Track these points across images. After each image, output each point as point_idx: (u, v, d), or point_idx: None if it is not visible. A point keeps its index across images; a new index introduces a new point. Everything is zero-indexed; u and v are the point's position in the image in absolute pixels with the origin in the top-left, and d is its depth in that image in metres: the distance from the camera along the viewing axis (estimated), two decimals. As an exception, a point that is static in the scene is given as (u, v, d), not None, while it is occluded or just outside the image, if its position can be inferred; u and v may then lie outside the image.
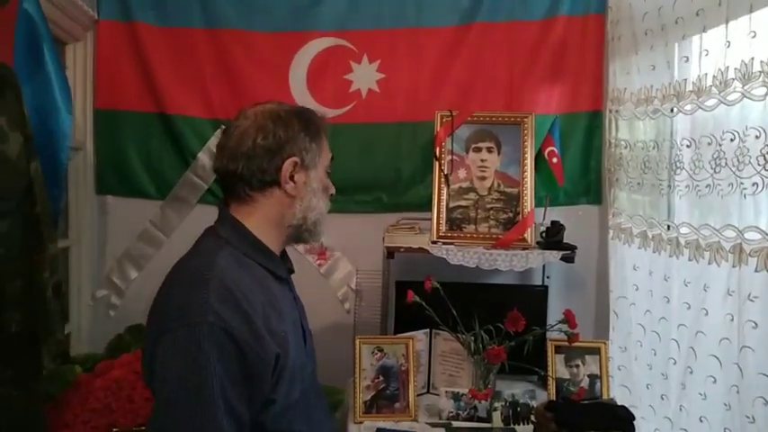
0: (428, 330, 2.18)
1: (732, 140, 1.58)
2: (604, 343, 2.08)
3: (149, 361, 1.04)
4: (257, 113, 1.18)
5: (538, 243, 2.20)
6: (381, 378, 2.01)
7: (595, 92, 2.41)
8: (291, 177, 1.17)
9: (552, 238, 2.17)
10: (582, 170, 2.47)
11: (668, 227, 1.88)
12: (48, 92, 1.71)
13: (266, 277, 1.17)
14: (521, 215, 2.20)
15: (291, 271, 1.32)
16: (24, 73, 1.64)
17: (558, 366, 2.07)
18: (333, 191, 1.30)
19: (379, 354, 2.04)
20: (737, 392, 1.55)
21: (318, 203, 1.23)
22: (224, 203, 1.21)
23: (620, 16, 2.18)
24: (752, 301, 1.51)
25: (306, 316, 1.33)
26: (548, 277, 2.37)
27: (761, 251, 1.47)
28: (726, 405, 1.61)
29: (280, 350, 1.07)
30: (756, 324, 1.50)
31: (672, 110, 1.86)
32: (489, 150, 2.26)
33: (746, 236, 1.52)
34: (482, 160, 2.25)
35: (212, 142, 2.45)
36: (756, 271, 1.49)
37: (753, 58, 1.50)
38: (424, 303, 2.04)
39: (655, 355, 1.95)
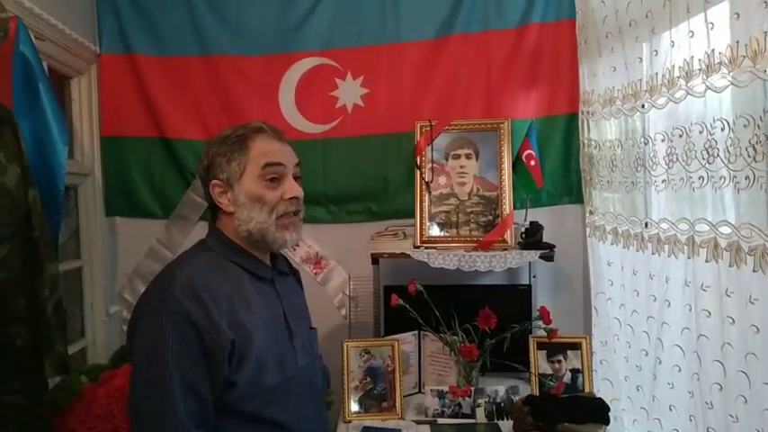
0: (416, 332, 2.27)
1: (680, 136, 1.64)
2: (585, 338, 2.13)
3: (129, 343, 1.22)
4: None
5: (518, 244, 2.27)
6: (369, 379, 2.11)
7: (572, 95, 2.46)
8: (221, 198, 1.30)
9: (531, 238, 2.24)
10: (563, 171, 2.53)
11: (634, 222, 1.94)
12: (44, 126, 1.87)
13: (242, 275, 1.31)
14: (500, 217, 2.28)
15: (282, 272, 1.45)
16: (22, 110, 1.80)
17: (540, 362, 2.14)
18: (287, 196, 1.29)
19: (367, 356, 2.14)
20: (698, 380, 1.60)
21: (251, 214, 1.27)
22: (214, 219, 1.38)
23: (586, 21, 2.25)
24: (704, 290, 1.56)
25: (300, 314, 1.46)
26: (534, 276, 2.43)
27: (709, 242, 1.53)
28: (690, 393, 1.66)
29: (235, 337, 1.20)
30: (710, 313, 1.55)
31: (631, 109, 1.92)
32: (468, 157, 2.35)
33: (697, 228, 1.58)
34: (461, 166, 2.34)
35: (209, 162, 2.60)
36: (706, 261, 1.54)
37: (693, 57, 1.57)
38: (407, 306, 2.13)
39: (629, 347, 2.01)
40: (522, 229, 2.28)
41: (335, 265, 2.69)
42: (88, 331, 2.60)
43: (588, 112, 2.28)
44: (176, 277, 1.20)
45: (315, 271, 2.69)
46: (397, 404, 2.08)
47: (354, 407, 2.09)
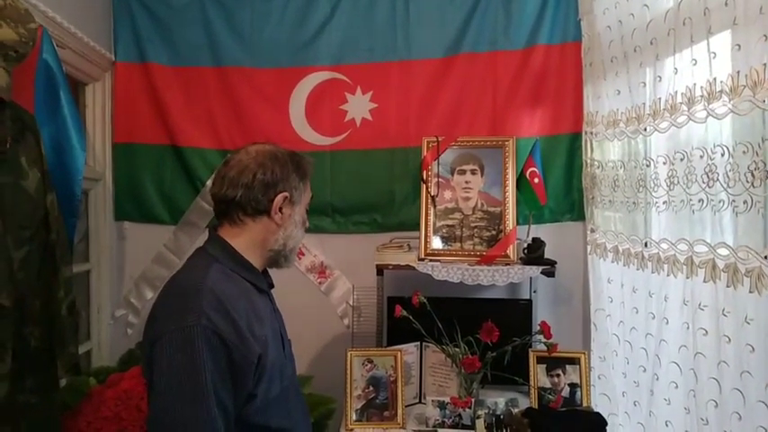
0: (418, 343, 2.31)
1: (682, 160, 1.70)
2: (584, 353, 2.17)
3: (148, 358, 1.21)
4: (258, 152, 1.37)
5: (521, 259, 2.32)
6: (371, 388, 2.15)
7: (576, 115, 2.52)
8: (280, 209, 1.36)
9: (533, 253, 2.28)
10: (565, 189, 2.59)
11: (635, 241, 1.99)
12: (64, 132, 1.93)
13: (249, 289, 1.35)
14: (503, 233, 2.33)
15: (271, 286, 1.51)
16: (43, 116, 1.86)
17: (540, 376, 2.18)
18: (307, 225, 1.49)
19: (370, 365, 2.18)
20: (694, 396, 1.65)
21: (297, 234, 1.43)
22: (214, 226, 1.40)
23: (592, 44, 2.31)
24: (702, 309, 1.61)
25: (284, 326, 1.51)
26: (535, 291, 2.48)
27: (707, 263, 1.57)
28: (686, 409, 1.70)
29: (261, 351, 1.24)
30: (706, 331, 1.60)
31: (634, 131, 1.98)
32: (473, 172, 2.40)
33: (696, 249, 1.63)
34: (466, 182, 2.40)
35: (219, 170, 2.66)
36: (705, 282, 1.59)
37: (695, 84, 1.62)
38: (411, 317, 2.18)
39: (628, 363, 2.05)
40: (525, 245, 2.33)
41: (340, 275, 2.74)
42: (94, 334, 2.64)
43: (592, 133, 2.34)
44: (202, 291, 1.20)
45: (319, 280, 2.74)
46: (399, 414, 2.12)
47: (356, 416, 2.12)
